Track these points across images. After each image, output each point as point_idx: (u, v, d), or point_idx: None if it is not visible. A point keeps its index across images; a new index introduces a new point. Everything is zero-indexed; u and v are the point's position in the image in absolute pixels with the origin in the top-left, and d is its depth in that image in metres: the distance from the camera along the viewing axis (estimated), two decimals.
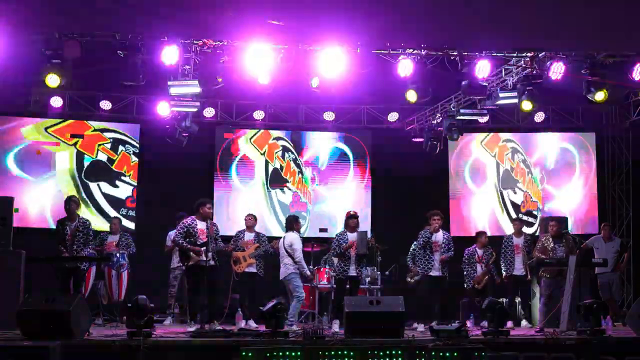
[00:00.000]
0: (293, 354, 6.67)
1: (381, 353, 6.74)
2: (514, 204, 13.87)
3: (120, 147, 13.20)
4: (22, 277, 8.97)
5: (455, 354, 6.76)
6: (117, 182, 13.13)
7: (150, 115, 12.76)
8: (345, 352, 6.73)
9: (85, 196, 12.89)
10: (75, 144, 12.99)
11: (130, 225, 12.86)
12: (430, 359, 6.76)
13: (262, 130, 13.73)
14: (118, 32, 8.83)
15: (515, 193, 13.92)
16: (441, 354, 6.74)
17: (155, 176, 12.99)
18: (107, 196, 13.05)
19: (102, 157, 13.11)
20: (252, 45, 9.40)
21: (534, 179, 13.91)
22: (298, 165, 13.79)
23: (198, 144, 12.51)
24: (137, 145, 13.22)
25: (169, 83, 10.10)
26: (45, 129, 12.90)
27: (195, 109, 11.39)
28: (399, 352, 6.77)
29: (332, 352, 6.73)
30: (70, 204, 9.44)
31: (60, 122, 12.96)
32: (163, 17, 7.60)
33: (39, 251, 9.80)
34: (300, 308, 10.79)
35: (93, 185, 13.02)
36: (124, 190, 13.13)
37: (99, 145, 13.09)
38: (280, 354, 6.63)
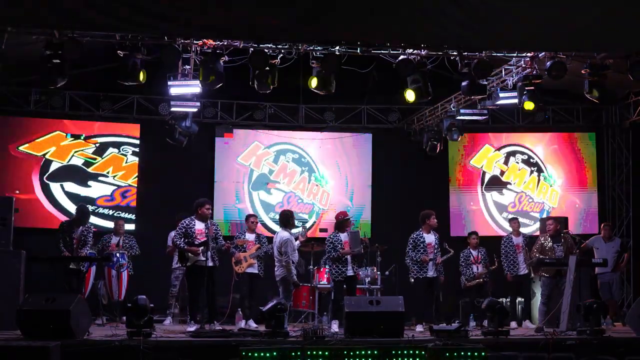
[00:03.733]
0: (293, 354, 6.67)
1: (381, 353, 6.74)
2: (498, 205, 13.80)
3: (111, 149, 12.99)
4: (22, 277, 8.99)
5: (455, 354, 6.77)
6: (90, 182, 12.84)
7: (150, 115, 12.75)
8: (345, 352, 6.73)
9: (43, 195, 12.63)
10: (45, 154, 12.69)
11: (130, 225, 12.83)
12: (430, 359, 6.76)
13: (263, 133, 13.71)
14: (118, 32, 8.81)
15: (502, 194, 13.87)
16: (441, 354, 6.75)
17: (155, 176, 12.97)
18: (70, 194, 12.68)
19: (77, 161, 12.82)
20: (252, 45, 9.40)
21: (541, 178, 13.88)
22: (299, 165, 13.76)
23: (198, 143, 12.50)
24: (137, 145, 13.19)
25: (169, 83, 10.10)
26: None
27: (195, 109, 11.40)
28: (399, 352, 6.77)
29: (332, 352, 6.73)
30: (81, 212, 9.44)
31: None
32: (163, 17, 7.58)
33: (39, 251, 9.81)
34: (300, 308, 10.82)
35: (54, 185, 12.69)
36: (97, 190, 12.84)
37: (76, 151, 12.83)
38: (281, 354, 6.63)
